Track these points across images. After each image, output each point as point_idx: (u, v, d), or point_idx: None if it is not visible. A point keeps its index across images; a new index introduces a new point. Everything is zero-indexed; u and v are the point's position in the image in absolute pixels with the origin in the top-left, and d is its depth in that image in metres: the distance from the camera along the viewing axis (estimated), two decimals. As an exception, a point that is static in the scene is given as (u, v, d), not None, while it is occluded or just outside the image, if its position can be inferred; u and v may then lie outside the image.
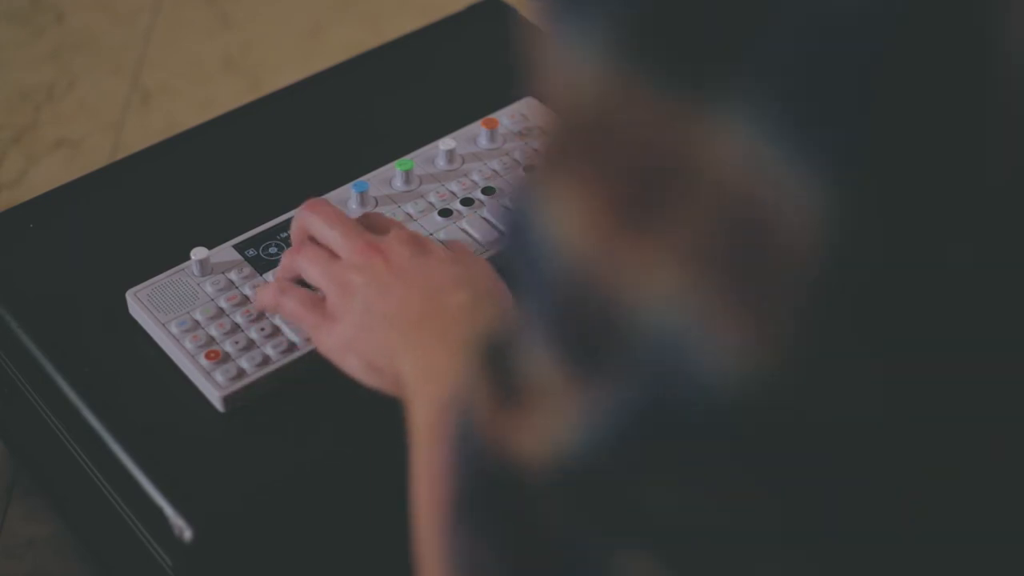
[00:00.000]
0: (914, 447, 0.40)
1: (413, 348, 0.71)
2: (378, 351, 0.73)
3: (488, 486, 0.45)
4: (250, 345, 0.81)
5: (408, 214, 0.89)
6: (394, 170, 0.91)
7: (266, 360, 0.81)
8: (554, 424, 0.42)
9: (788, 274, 0.37)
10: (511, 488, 0.44)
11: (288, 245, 0.87)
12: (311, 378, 0.81)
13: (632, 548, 0.42)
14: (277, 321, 0.82)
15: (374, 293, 0.74)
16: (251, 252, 0.87)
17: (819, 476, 0.40)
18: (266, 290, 0.80)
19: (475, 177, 0.92)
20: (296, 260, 0.79)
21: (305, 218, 0.80)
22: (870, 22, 0.35)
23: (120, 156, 1.13)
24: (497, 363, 0.45)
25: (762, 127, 0.36)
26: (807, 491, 0.41)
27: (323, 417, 0.81)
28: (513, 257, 0.43)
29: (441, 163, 0.93)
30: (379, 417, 0.81)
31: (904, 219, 0.37)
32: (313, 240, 0.79)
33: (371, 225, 0.80)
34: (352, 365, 0.75)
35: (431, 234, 0.88)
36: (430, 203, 0.90)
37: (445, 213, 0.89)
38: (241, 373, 0.80)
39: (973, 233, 0.37)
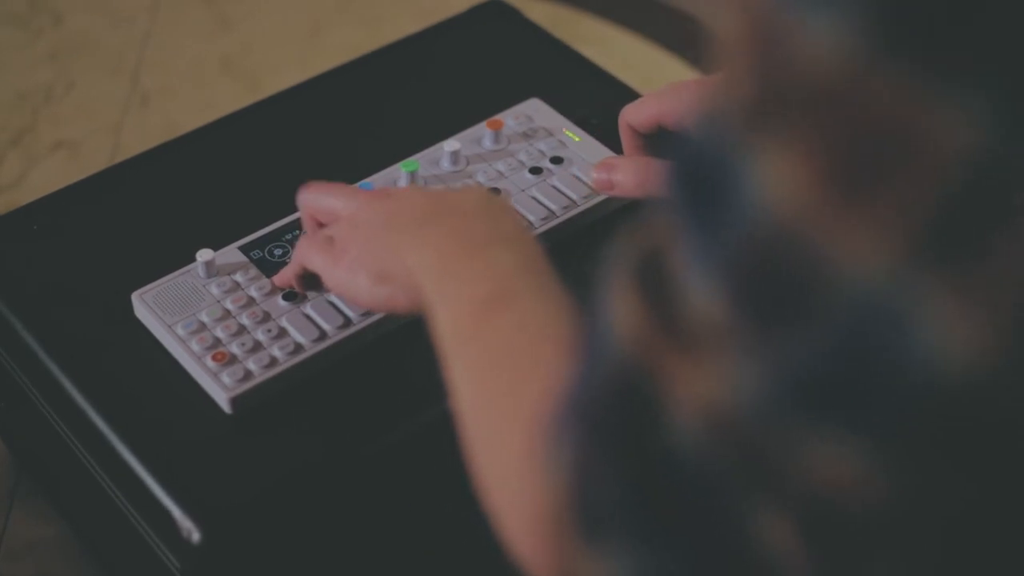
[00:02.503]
0: None
1: (422, 244, 0.69)
2: (384, 255, 0.71)
3: (622, 401, 0.44)
4: (257, 347, 0.81)
5: (413, 215, 0.89)
6: (399, 172, 0.91)
7: (273, 362, 0.80)
8: (724, 371, 0.41)
9: (1016, 255, 0.37)
10: (649, 412, 0.43)
11: (293, 247, 0.87)
12: (318, 380, 0.81)
13: (774, 509, 0.41)
14: (284, 323, 0.82)
15: (380, 215, 0.73)
16: (256, 254, 0.87)
17: (1003, 472, 0.40)
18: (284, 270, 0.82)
19: (480, 178, 0.92)
20: (299, 246, 0.79)
21: (304, 199, 0.80)
22: None
23: (119, 158, 1.13)
24: (652, 288, 0.44)
25: (1005, 115, 0.36)
26: (983, 484, 0.41)
27: (331, 418, 0.80)
28: (690, 198, 0.43)
29: (446, 164, 0.93)
30: (387, 418, 0.81)
31: None
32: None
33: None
34: (362, 286, 0.73)
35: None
36: (435, 204, 0.90)
37: (450, 214, 0.89)
38: (248, 375, 0.80)
39: None
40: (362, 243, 0.73)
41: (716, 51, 0.43)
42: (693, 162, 0.43)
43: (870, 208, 0.38)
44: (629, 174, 0.88)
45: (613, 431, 0.45)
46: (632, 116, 0.87)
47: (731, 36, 0.41)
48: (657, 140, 0.88)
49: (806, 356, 0.40)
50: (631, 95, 1.01)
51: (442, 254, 0.68)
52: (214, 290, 0.85)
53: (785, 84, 0.39)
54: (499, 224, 0.69)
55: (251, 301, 0.84)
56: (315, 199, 0.80)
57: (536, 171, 0.93)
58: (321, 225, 0.81)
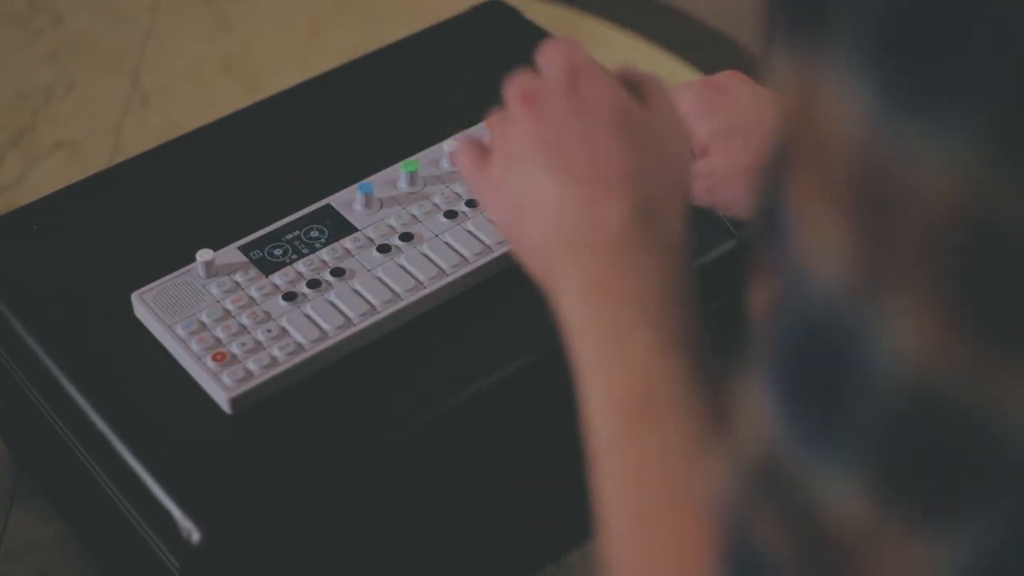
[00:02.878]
0: None
1: (567, 276, 0.63)
2: (537, 249, 0.66)
3: None
4: (257, 347, 0.81)
5: (413, 216, 0.89)
6: (399, 171, 0.91)
7: (273, 362, 0.80)
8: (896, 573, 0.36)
9: None
10: None
11: (293, 248, 0.87)
12: (318, 379, 0.81)
13: None
14: (284, 323, 0.82)
15: (528, 164, 0.66)
16: (256, 254, 0.87)
17: None
18: None
19: (480, 178, 0.92)
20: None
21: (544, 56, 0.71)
22: None
23: (119, 158, 1.13)
24: (779, 504, 0.39)
25: None
26: None
27: (330, 418, 0.80)
28: (806, 386, 0.38)
29: (446, 165, 0.93)
30: (387, 418, 0.81)
31: None
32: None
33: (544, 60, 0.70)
34: (513, 244, 0.69)
35: (436, 236, 0.88)
36: (435, 204, 0.90)
37: (451, 215, 0.89)
38: (248, 375, 0.80)
39: None
40: (513, 203, 0.67)
41: (797, 210, 0.37)
42: (802, 343, 0.38)
43: (1017, 348, 0.33)
44: None
45: None
46: None
47: (821, 191, 0.36)
48: None
49: (989, 535, 0.35)
50: (631, 95, 1.01)
51: (589, 320, 0.62)
52: (214, 290, 0.85)
53: (903, 229, 0.34)
54: (645, 268, 0.62)
55: (251, 301, 0.84)
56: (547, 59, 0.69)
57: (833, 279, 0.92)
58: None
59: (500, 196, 0.68)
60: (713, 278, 0.84)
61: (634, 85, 0.69)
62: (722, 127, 0.84)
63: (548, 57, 0.69)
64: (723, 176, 0.84)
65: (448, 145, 0.93)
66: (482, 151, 0.71)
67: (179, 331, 0.82)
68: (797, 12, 0.36)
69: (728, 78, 0.87)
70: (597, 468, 0.58)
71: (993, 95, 0.32)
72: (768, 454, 0.39)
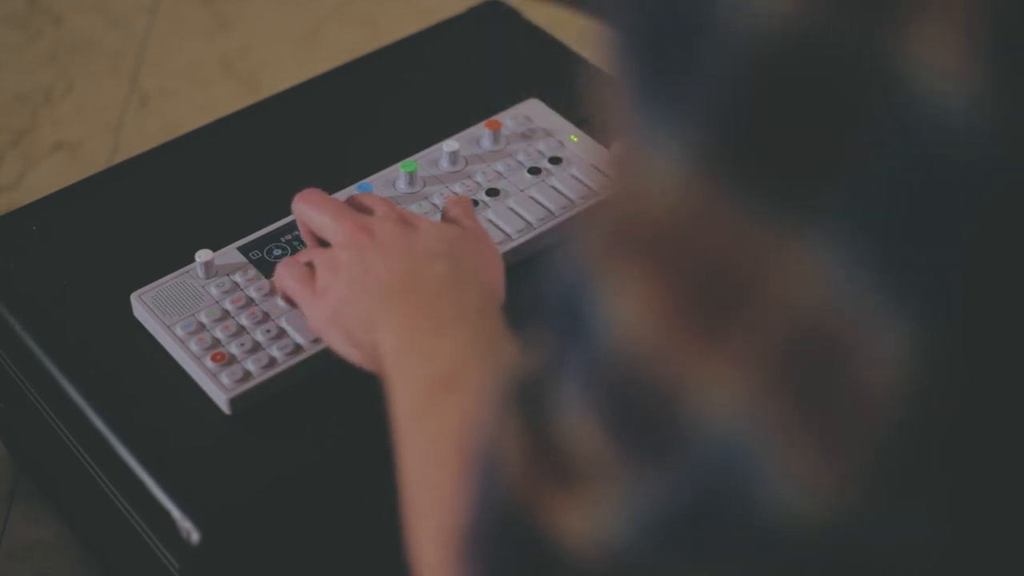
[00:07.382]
0: None
1: (389, 318, 0.71)
2: (357, 322, 0.73)
3: (512, 537, 0.44)
4: (256, 347, 0.81)
5: (412, 216, 0.89)
6: (398, 172, 0.91)
7: (272, 362, 0.80)
8: (598, 504, 0.40)
9: (863, 408, 0.36)
10: (537, 547, 0.42)
11: (292, 248, 0.87)
12: (317, 380, 0.81)
13: None
14: (283, 323, 0.82)
15: (358, 268, 0.75)
16: (255, 254, 0.87)
17: None
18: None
19: (479, 179, 0.92)
20: (280, 269, 0.80)
21: (298, 209, 0.81)
22: (974, 157, 0.33)
23: (119, 159, 1.13)
24: (529, 410, 0.43)
25: (846, 256, 0.34)
26: None
27: (329, 419, 0.80)
28: (560, 327, 0.42)
29: (445, 165, 0.93)
30: (387, 418, 0.81)
31: (990, 360, 0.36)
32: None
33: (360, 206, 0.81)
34: (335, 339, 0.75)
35: (435, 236, 0.88)
36: (434, 204, 0.90)
37: (449, 215, 0.89)
38: (247, 375, 0.80)
39: None
40: (340, 299, 0.75)
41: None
42: (561, 289, 0.42)
43: (719, 345, 0.37)
44: None
45: (505, 569, 0.45)
46: None
47: (605, 163, 0.41)
48: None
49: (667, 492, 0.39)
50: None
51: (405, 332, 0.69)
52: (213, 291, 0.85)
53: (635, 217, 0.38)
54: (464, 298, 0.71)
55: (250, 301, 0.84)
56: (305, 211, 0.80)
57: (535, 171, 0.93)
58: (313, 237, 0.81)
59: (326, 298, 0.76)
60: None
61: (453, 217, 0.81)
62: None
63: (376, 203, 0.80)
64: None
65: (448, 145, 0.93)
66: (305, 270, 0.79)
67: (178, 331, 0.82)
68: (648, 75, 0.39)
69: None
70: (399, 457, 0.63)
71: (706, 122, 0.35)
72: (540, 371, 0.44)
